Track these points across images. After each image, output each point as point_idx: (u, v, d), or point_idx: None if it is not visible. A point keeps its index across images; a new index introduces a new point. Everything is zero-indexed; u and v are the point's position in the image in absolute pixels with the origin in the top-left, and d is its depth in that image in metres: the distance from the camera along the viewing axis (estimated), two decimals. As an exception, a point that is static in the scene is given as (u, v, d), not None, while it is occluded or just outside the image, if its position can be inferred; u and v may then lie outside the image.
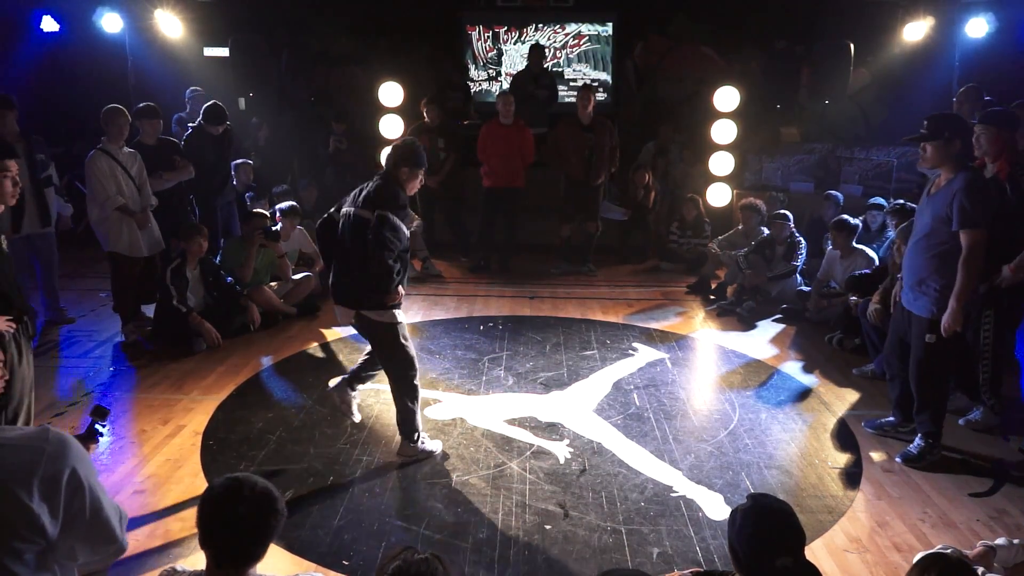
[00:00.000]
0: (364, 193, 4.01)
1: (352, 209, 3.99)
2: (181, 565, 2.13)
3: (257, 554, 1.92)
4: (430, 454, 4.16)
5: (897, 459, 4.12)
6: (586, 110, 7.71)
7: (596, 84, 10.28)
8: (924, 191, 4.08)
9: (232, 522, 1.87)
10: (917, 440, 4.12)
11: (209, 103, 6.88)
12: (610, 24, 10.08)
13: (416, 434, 4.13)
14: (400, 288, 3.98)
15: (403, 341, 4.03)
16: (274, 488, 1.96)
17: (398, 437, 4.33)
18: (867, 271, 5.82)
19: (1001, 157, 4.17)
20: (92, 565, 2.03)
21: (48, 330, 6.12)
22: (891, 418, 4.47)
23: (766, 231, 7.04)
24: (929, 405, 4.05)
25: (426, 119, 8.21)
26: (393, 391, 4.15)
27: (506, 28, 10.17)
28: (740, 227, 7.41)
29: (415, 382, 4.11)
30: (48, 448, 1.75)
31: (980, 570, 2.55)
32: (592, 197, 7.98)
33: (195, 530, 1.93)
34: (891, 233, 5.87)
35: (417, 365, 4.12)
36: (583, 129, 7.73)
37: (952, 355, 4.06)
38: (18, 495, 1.68)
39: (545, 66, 9.58)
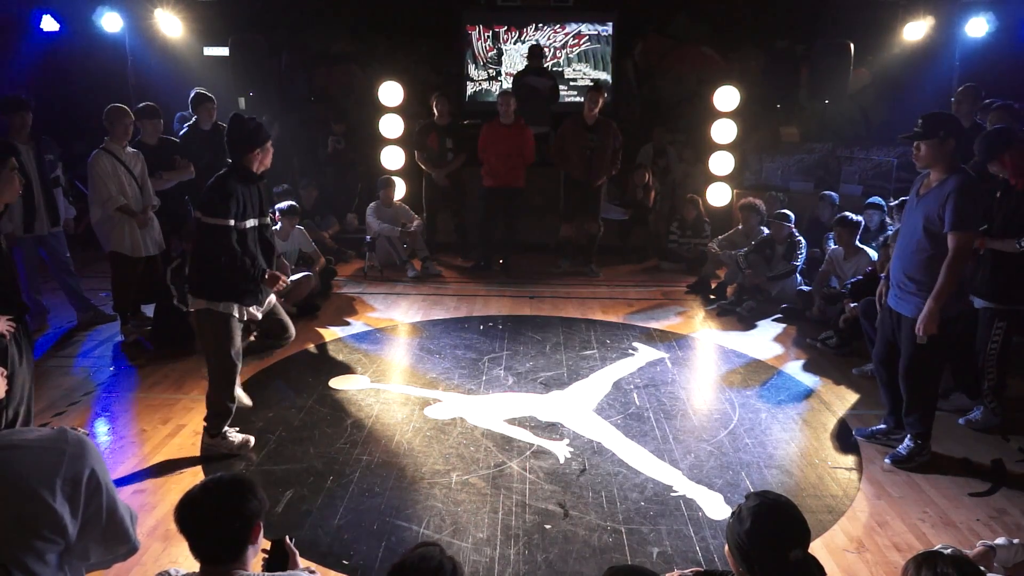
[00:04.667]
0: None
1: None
2: (175, 568, 2.13)
3: (237, 549, 1.95)
4: (238, 446, 4.10)
5: (886, 460, 4.10)
6: (592, 111, 7.66)
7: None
8: (913, 191, 4.01)
9: (200, 526, 1.93)
10: (907, 441, 4.10)
11: (194, 93, 6.81)
12: (610, 24, 10.06)
13: (221, 429, 4.09)
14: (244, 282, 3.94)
15: (231, 334, 3.99)
16: (245, 480, 2.00)
17: (397, 437, 4.33)
18: (862, 276, 5.81)
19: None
20: (100, 565, 2.04)
21: (45, 329, 6.13)
22: (882, 425, 4.40)
23: (766, 231, 7.04)
24: (919, 406, 4.01)
25: (436, 115, 8.17)
26: (210, 383, 4.10)
27: (506, 28, 10.16)
28: (740, 227, 7.42)
29: (234, 381, 4.07)
30: (69, 449, 1.77)
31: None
32: (592, 198, 7.95)
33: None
34: (893, 229, 5.85)
35: (239, 365, 4.09)
36: (586, 129, 7.70)
37: (944, 355, 4.01)
38: (42, 496, 1.69)
39: (545, 65, 9.58)
